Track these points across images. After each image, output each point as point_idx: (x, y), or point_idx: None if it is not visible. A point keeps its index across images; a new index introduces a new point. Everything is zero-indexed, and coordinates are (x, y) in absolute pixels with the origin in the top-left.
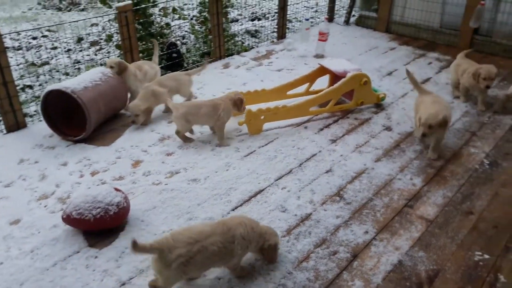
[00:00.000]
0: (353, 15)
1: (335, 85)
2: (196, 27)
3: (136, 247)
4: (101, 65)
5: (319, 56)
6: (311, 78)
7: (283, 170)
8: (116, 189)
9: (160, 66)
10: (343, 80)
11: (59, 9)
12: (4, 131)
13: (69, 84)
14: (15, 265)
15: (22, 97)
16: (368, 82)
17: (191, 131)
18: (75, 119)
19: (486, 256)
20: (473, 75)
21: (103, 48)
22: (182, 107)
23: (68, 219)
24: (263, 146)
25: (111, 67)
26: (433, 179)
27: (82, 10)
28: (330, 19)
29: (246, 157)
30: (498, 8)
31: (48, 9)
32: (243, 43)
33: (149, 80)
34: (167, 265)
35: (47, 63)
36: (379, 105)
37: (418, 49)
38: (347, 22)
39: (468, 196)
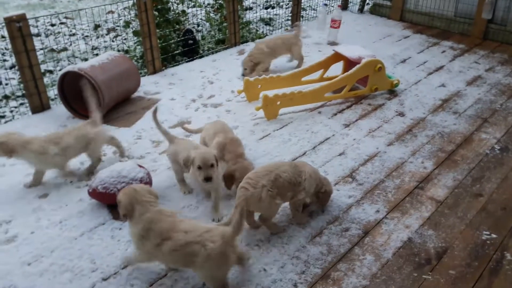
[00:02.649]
0: (367, 3)
1: (350, 71)
2: (211, 14)
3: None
4: (119, 51)
5: (331, 43)
6: (325, 64)
7: (297, 152)
8: (140, 166)
9: (177, 52)
10: (358, 66)
11: None
12: (30, 113)
13: (83, 66)
14: (46, 234)
15: (44, 80)
16: (382, 68)
17: None
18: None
19: (494, 236)
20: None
21: (120, 35)
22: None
23: (94, 193)
24: (277, 129)
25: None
26: (444, 163)
27: None
28: (344, 7)
29: (261, 140)
30: None
31: None
32: (257, 30)
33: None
34: (258, 199)
35: (65, 49)
36: (392, 91)
37: (432, 38)
38: (361, 10)
39: (478, 179)
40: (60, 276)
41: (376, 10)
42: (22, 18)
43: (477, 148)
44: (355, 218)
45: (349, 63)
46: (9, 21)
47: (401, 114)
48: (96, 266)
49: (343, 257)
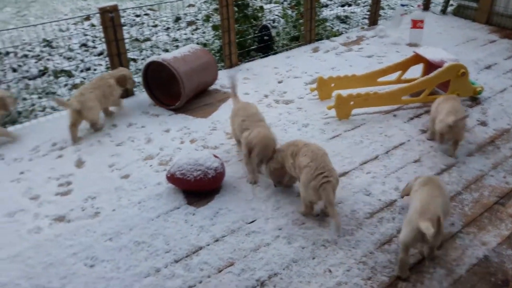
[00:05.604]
0: (451, 5)
1: (431, 75)
2: (288, 11)
3: None
4: (198, 43)
5: (413, 44)
6: (404, 66)
7: (368, 155)
8: (215, 156)
9: (252, 47)
10: (439, 69)
11: None
12: None
13: (167, 56)
14: (125, 213)
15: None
16: (466, 74)
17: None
18: (171, 89)
19: None
20: None
21: (199, 28)
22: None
23: (172, 178)
24: (349, 130)
25: None
26: None
27: None
28: (426, 7)
29: (332, 140)
30: None
31: None
32: (332, 28)
33: None
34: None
35: (148, 39)
36: (474, 99)
37: None
38: (444, 11)
39: None
40: (137, 254)
41: (460, 12)
42: (114, 9)
43: None
44: None
45: (430, 66)
46: (103, 12)
47: (483, 124)
48: (169, 247)
49: (412, 267)
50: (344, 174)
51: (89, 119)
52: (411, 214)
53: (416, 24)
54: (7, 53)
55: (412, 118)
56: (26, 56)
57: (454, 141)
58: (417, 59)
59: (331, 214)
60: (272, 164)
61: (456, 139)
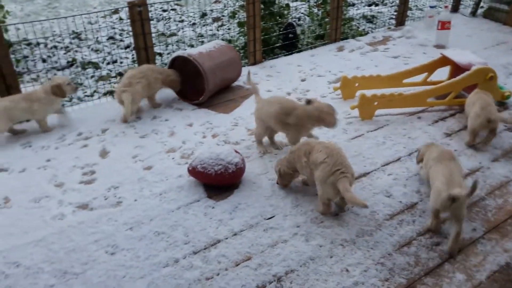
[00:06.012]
0: (481, 7)
1: (458, 77)
2: (314, 9)
3: None
4: (222, 40)
5: (440, 46)
6: (430, 67)
7: (391, 156)
8: (236, 151)
9: (276, 45)
10: (467, 73)
11: None
12: None
13: (192, 52)
14: (147, 204)
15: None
16: (494, 78)
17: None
18: (195, 84)
19: None
20: None
21: (225, 25)
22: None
23: (193, 171)
24: (372, 131)
25: None
26: None
27: None
28: (455, 9)
29: (353, 140)
30: None
31: None
32: (358, 27)
33: None
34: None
35: (174, 34)
36: (502, 104)
37: None
38: (473, 13)
39: None
40: (157, 244)
41: (490, 14)
42: (143, 3)
43: None
44: (448, 233)
45: (457, 69)
46: (132, 6)
47: (511, 129)
48: (188, 239)
49: (431, 271)
50: (365, 174)
51: (128, 110)
52: (439, 185)
53: (444, 25)
54: (38, 44)
55: (436, 121)
56: (55, 47)
57: (490, 131)
58: (444, 61)
59: (350, 199)
60: (282, 167)
61: (494, 128)
